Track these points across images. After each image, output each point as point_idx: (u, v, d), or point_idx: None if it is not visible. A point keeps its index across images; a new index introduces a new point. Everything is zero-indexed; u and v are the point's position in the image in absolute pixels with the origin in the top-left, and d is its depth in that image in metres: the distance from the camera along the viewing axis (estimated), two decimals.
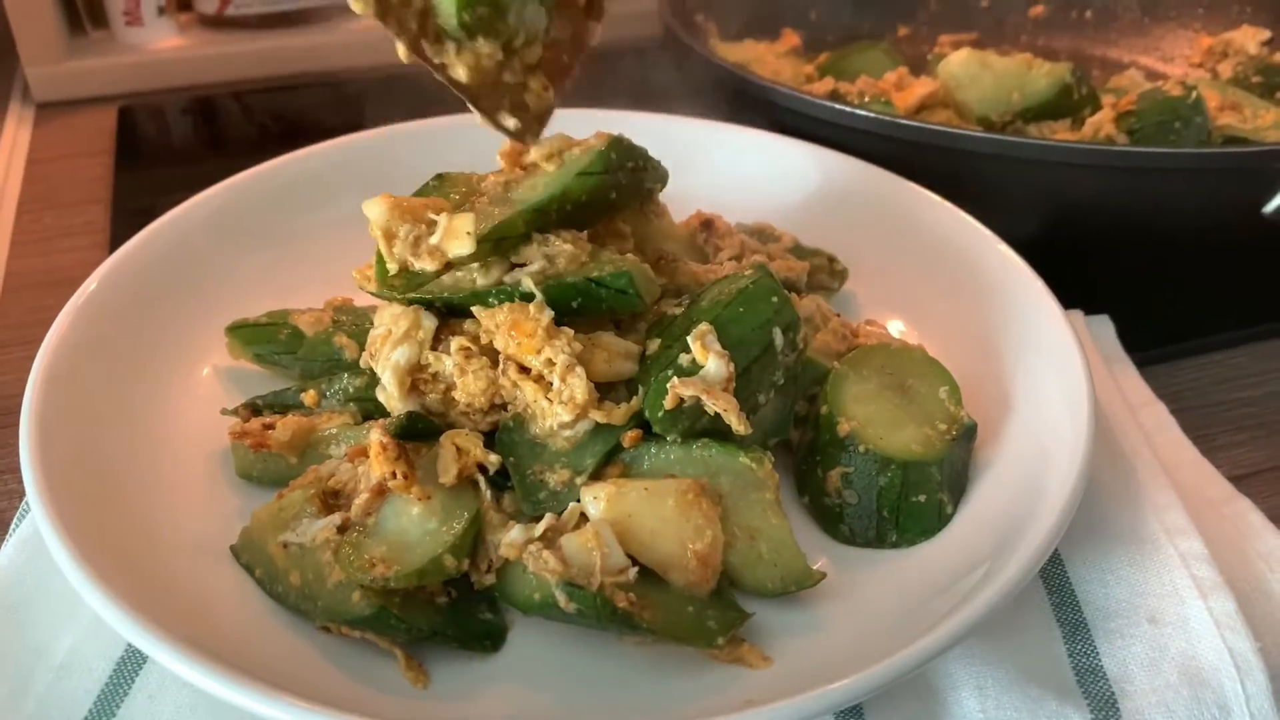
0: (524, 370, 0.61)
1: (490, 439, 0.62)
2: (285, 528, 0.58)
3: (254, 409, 0.67)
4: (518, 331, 0.60)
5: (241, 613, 0.57)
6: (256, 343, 0.73)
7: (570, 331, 0.60)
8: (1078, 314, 0.81)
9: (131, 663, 0.58)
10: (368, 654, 0.56)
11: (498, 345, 0.61)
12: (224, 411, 0.68)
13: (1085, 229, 0.88)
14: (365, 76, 1.39)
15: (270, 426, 0.64)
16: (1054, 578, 0.62)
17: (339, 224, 0.83)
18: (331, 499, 0.60)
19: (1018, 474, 0.64)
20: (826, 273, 0.83)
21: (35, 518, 0.56)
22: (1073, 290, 0.77)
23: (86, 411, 0.64)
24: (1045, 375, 0.68)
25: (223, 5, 1.35)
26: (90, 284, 0.70)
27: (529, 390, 0.61)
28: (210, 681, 0.48)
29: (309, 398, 0.66)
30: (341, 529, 0.57)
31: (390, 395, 0.62)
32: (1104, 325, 0.82)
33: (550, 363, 0.59)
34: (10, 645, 0.58)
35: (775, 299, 0.64)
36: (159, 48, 1.34)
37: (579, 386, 0.59)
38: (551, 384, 0.60)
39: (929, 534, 0.63)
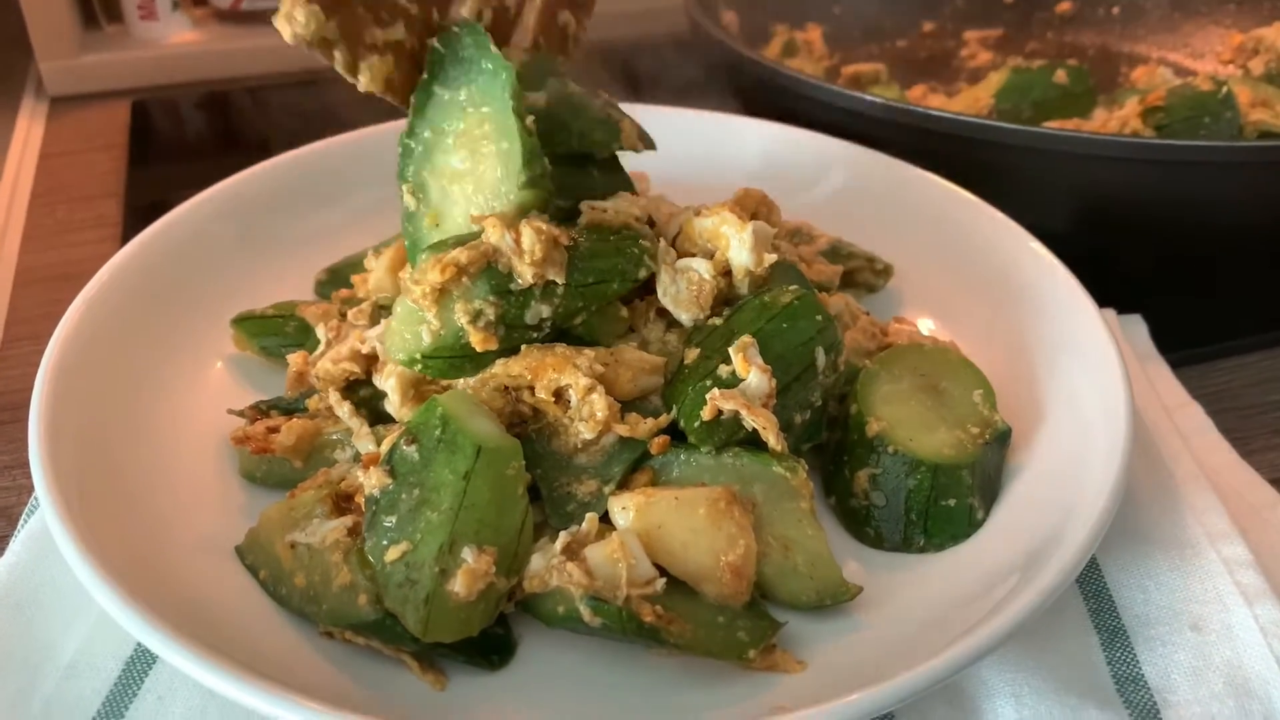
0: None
1: None
2: (295, 527, 0.56)
3: (260, 411, 0.65)
4: (534, 375, 0.59)
5: (251, 612, 0.56)
6: (262, 335, 0.71)
7: (590, 353, 0.59)
8: (1111, 313, 0.79)
9: (141, 662, 0.56)
10: (379, 657, 0.54)
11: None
12: (231, 412, 0.66)
13: (1117, 225, 0.86)
14: None
15: (274, 430, 0.62)
16: (1090, 583, 0.60)
17: (352, 218, 0.82)
18: (344, 502, 0.58)
19: (1052, 478, 0.62)
20: (869, 271, 0.81)
21: (44, 514, 0.54)
22: (1105, 289, 0.75)
23: (96, 406, 0.63)
24: (1081, 376, 0.66)
25: (237, 0, 1.34)
26: (101, 276, 0.69)
27: (549, 410, 0.59)
28: (220, 681, 0.47)
29: (313, 402, 0.64)
30: (352, 532, 0.55)
31: (394, 405, 0.61)
32: (1137, 325, 0.80)
33: (567, 387, 0.58)
34: (18, 643, 0.56)
35: (819, 317, 0.62)
36: (173, 42, 1.33)
37: (600, 404, 0.57)
38: (570, 403, 0.58)
39: (958, 539, 0.61)
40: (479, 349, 0.58)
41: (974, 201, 0.81)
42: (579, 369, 0.58)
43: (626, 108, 0.91)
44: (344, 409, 0.62)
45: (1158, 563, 0.60)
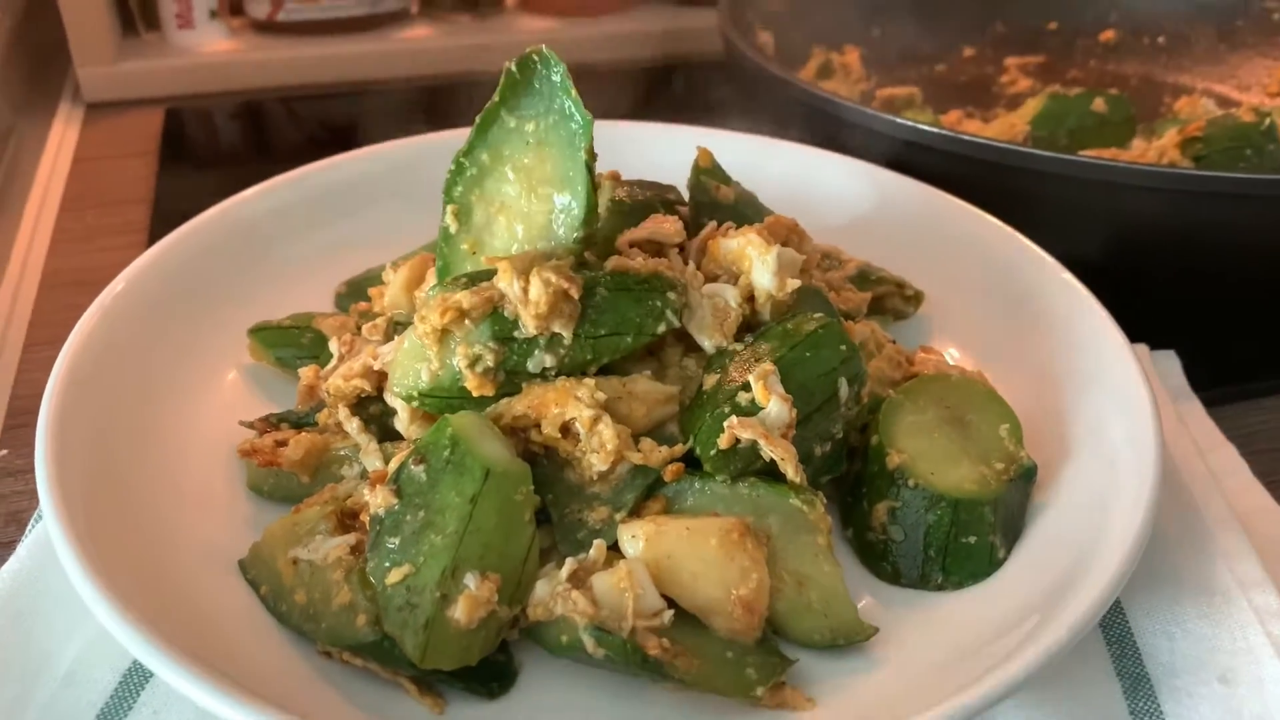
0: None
1: None
2: (298, 543, 0.55)
3: (270, 424, 0.65)
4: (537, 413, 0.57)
5: (250, 629, 0.55)
6: (278, 345, 0.71)
7: (590, 383, 0.57)
8: (1143, 348, 0.77)
9: (138, 676, 0.55)
10: (376, 679, 0.53)
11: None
12: (242, 423, 0.66)
13: (1152, 257, 0.84)
14: (413, 86, 1.38)
15: (283, 443, 0.61)
16: (1114, 628, 0.58)
17: (374, 231, 0.81)
18: (349, 519, 0.57)
19: (1077, 518, 0.59)
20: (898, 298, 0.79)
21: (46, 522, 0.53)
22: (1138, 323, 0.73)
23: (106, 414, 0.62)
24: (1109, 412, 0.64)
25: (274, 10, 1.34)
26: (118, 283, 0.69)
27: (558, 446, 0.58)
28: (210, 698, 0.46)
29: (324, 417, 0.63)
30: (355, 550, 0.54)
31: (403, 423, 0.60)
32: (1170, 361, 0.78)
33: (573, 420, 0.57)
34: (16, 652, 0.56)
35: (844, 347, 0.61)
36: (209, 51, 1.33)
37: (608, 434, 0.56)
38: (579, 436, 0.57)
39: (978, 577, 0.59)
40: (474, 393, 0.57)
41: (1005, 230, 0.79)
42: (581, 401, 0.56)
43: (655, 126, 0.92)
44: (353, 425, 0.61)
45: (1186, 610, 0.57)
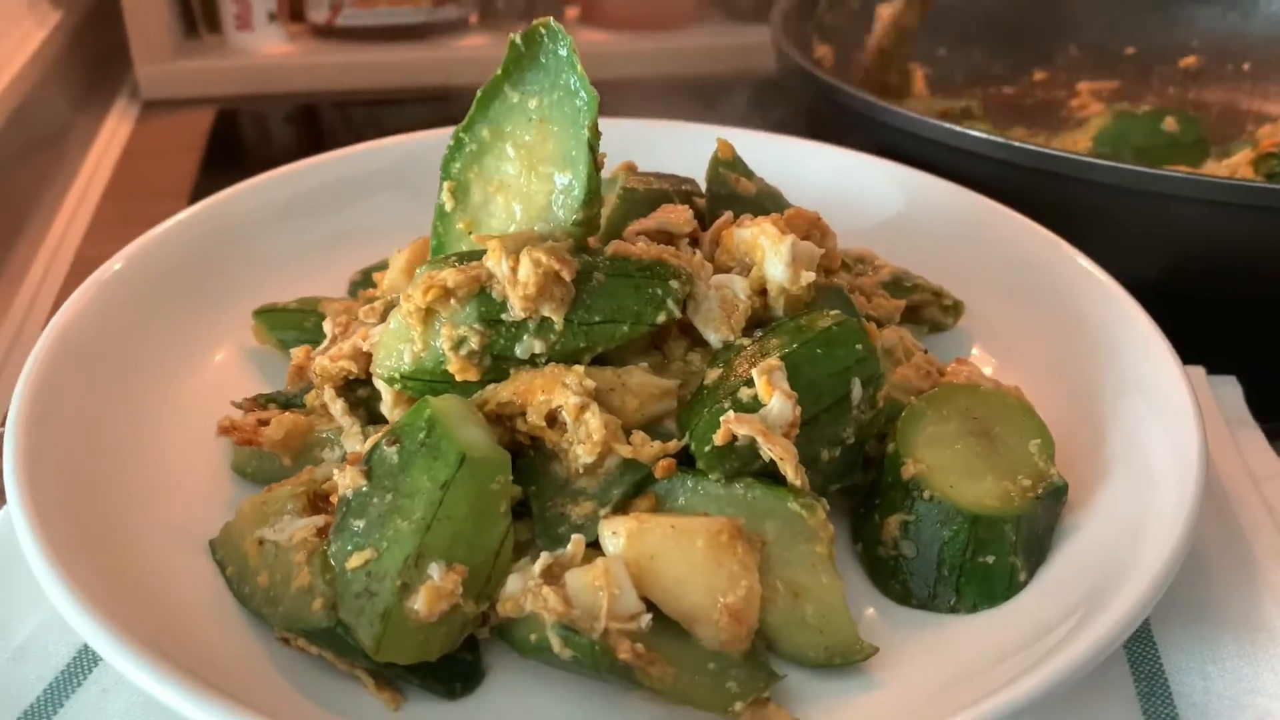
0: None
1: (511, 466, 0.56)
2: (265, 522, 0.53)
3: (258, 404, 0.62)
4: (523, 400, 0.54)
5: (211, 611, 0.52)
6: (281, 328, 0.69)
7: (580, 370, 0.54)
8: (1199, 371, 0.71)
9: (91, 653, 0.53)
10: (336, 672, 0.50)
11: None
12: (233, 404, 0.63)
13: (1217, 277, 0.78)
14: (468, 93, 1.36)
15: (265, 423, 0.59)
16: (1144, 663, 0.52)
17: (396, 219, 0.79)
18: (321, 502, 0.54)
19: (1109, 541, 0.54)
20: (936, 308, 0.75)
21: (6, 490, 0.51)
22: (1199, 345, 0.68)
23: (91, 389, 0.61)
24: (1152, 433, 0.59)
25: (332, 15, 1.35)
26: (115, 262, 0.67)
27: (544, 436, 0.54)
28: (147, 679, 0.43)
29: (311, 398, 0.61)
30: (322, 533, 0.51)
31: (387, 405, 0.57)
32: (1230, 387, 0.72)
33: (559, 408, 0.53)
34: None
35: (860, 346, 0.57)
36: (265, 53, 1.34)
37: (595, 424, 0.52)
38: (566, 426, 0.53)
39: (993, 601, 0.54)
40: (458, 377, 0.54)
41: (1057, 243, 0.74)
42: (569, 388, 0.53)
43: (696, 128, 0.88)
44: (337, 406, 0.58)
45: (1224, 647, 0.52)
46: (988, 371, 0.69)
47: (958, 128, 0.83)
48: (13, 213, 1.01)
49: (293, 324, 0.69)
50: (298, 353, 0.63)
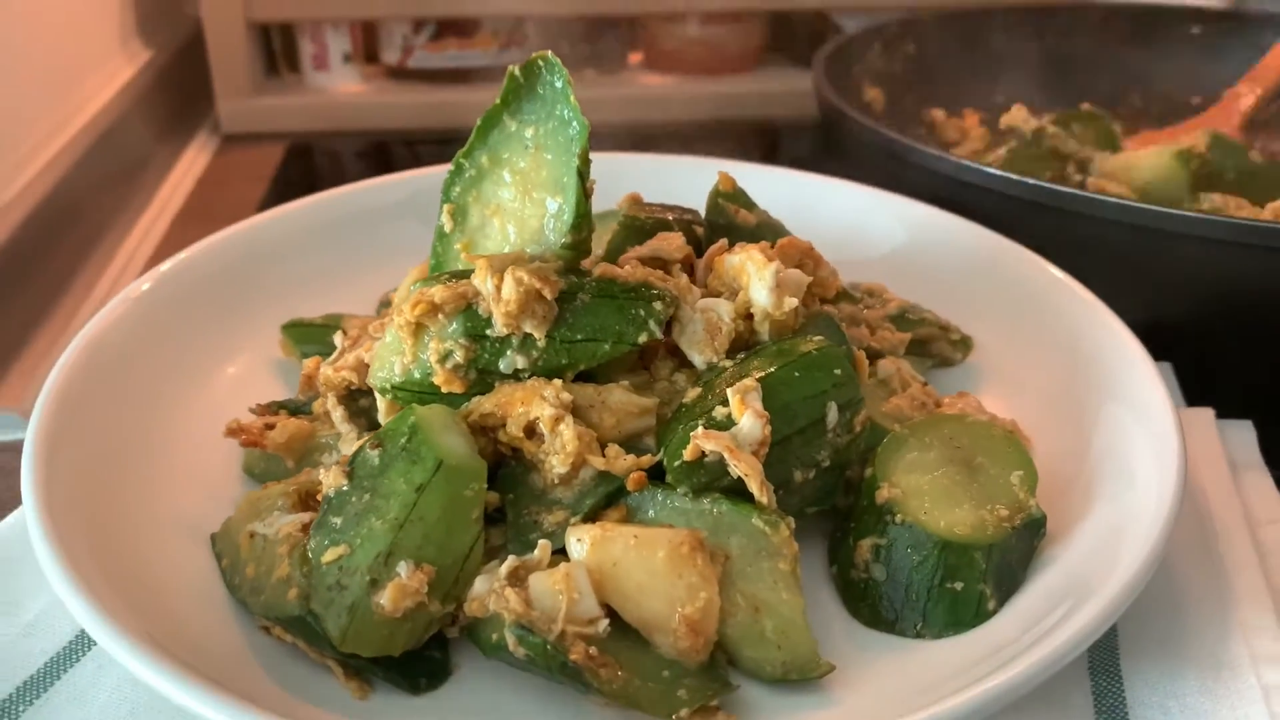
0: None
1: (493, 475, 0.58)
2: (258, 517, 0.56)
3: (270, 409, 0.66)
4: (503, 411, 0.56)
5: (208, 601, 0.55)
6: (306, 342, 0.72)
7: (557, 383, 0.56)
8: (1208, 413, 0.70)
9: None
10: (311, 661, 0.52)
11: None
12: (250, 409, 0.67)
13: (1240, 320, 0.77)
14: None
15: (271, 426, 0.62)
16: (1108, 695, 0.52)
17: (416, 243, 0.82)
18: (311, 500, 0.57)
19: (1079, 575, 0.54)
20: (944, 342, 0.76)
21: (22, 484, 0.55)
22: (1216, 389, 0.68)
23: (120, 390, 0.64)
24: (1139, 472, 0.59)
25: (404, 57, 1.40)
26: (143, 282, 0.71)
27: (524, 447, 0.56)
28: (125, 655, 0.46)
29: (317, 405, 0.64)
30: (306, 528, 0.54)
31: (381, 413, 0.60)
32: (1244, 431, 0.71)
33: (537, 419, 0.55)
34: None
35: (838, 371, 0.58)
36: (340, 91, 1.40)
37: (568, 435, 0.54)
38: (544, 437, 0.56)
39: (960, 628, 0.54)
40: (443, 389, 0.56)
41: (1067, 283, 0.74)
42: (546, 400, 0.55)
43: (717, 163, 0.90)
44: (338, 413, 0.61)
45: (1188, 682, 0.51)
46: (991, 406, 0.69)
47: (977, 165, 0.84)
48: (90, 233, 1.08)
49: (315, 338, 0.72)
50: (308, 363, 0.67)
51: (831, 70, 1.11)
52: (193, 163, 1.28)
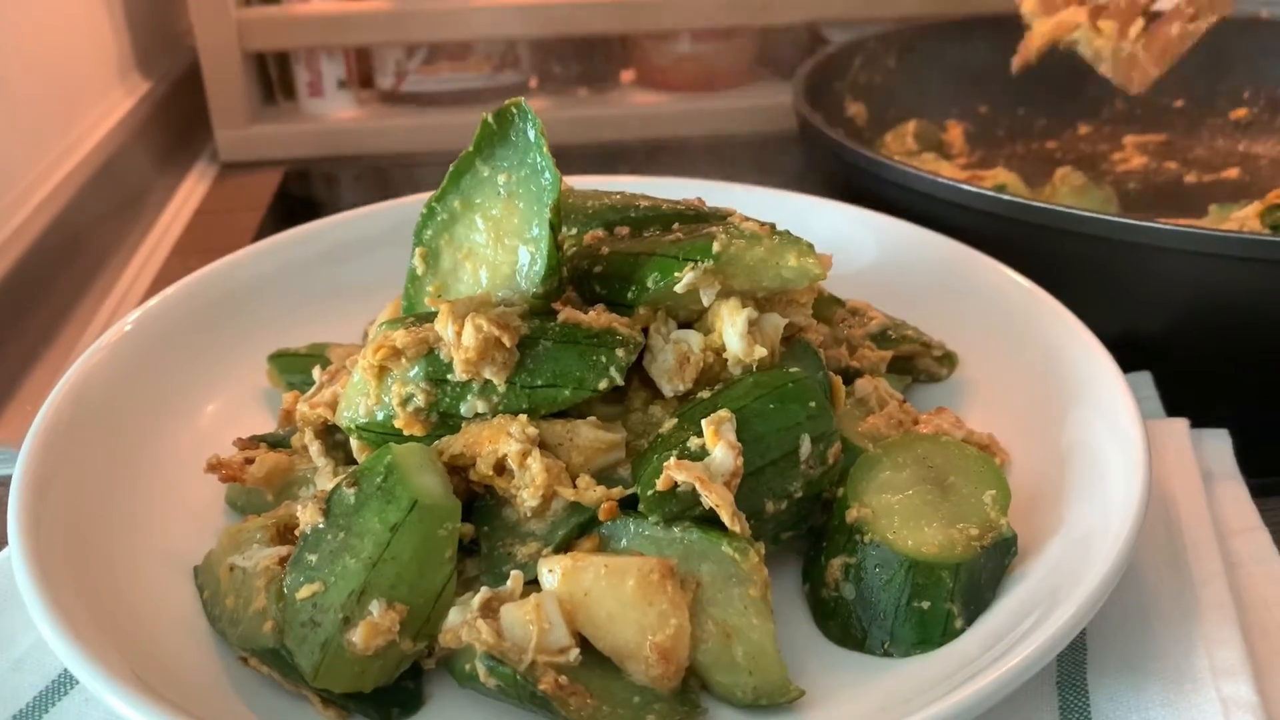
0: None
1: (468, 509, 0.59)
2: (237, 550, 0.57)
3: (250, 443, 0.67)
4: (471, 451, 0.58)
5: (187, 633, 0.57)
6: (291, 372, 0.74)
7: (523, 419, 0.57)
8: (1182, 423, 0.71)
9: None
10: (288, 693, 0.54)
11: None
12: (234, 443, 0.68)
13: (1215, 332, 0.78)
14: None
15: (251, 461, 0.63)
16: (1074, 710, 0.53)
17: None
18: (289, 533, 0.58)
19: (1045, 589, 0.55)
20: (928, 358, 0.76)
21: (7, 522, 0.56)
22: (1199, 398, 0.69)
23: (109, 422, 0.66)
24: (1111, 488, 0.59)
25: (398, 81, 1.42)
26: (132, 316, 0.73)
27: (495, 484, 0.58)
28: (97, 685, 0.48)
29: (296, 439, 0.65)
30: (283, 562, 0.55)
31: (355, 449, 0.61)
32: (1219, 440, 0.71)
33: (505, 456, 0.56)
34: None
35: (813, 404, 0.59)
36: (336, 117, 1.41)
37: (537, 469, 0.56)
38: (514, 473, 0.57)
39: (927, 646, 0.55)
40: (405, 431, 0.58)
41: (1041, 296, 0.75)
42: (512, 436, 0.56)
43: (697, 185, 0.91)
44: (314, 448, 0.62)
45: (1151, 696, 0.52)
46: (968, 420, 0.70)
47: (960, 184, 0.85)
48: (90, 265, 1.09)
49: (300, 368, 0.73)
50: (287, 397, 0.68)
51: (813, 86, 1.12)
52: (191, 192, 1.30)
